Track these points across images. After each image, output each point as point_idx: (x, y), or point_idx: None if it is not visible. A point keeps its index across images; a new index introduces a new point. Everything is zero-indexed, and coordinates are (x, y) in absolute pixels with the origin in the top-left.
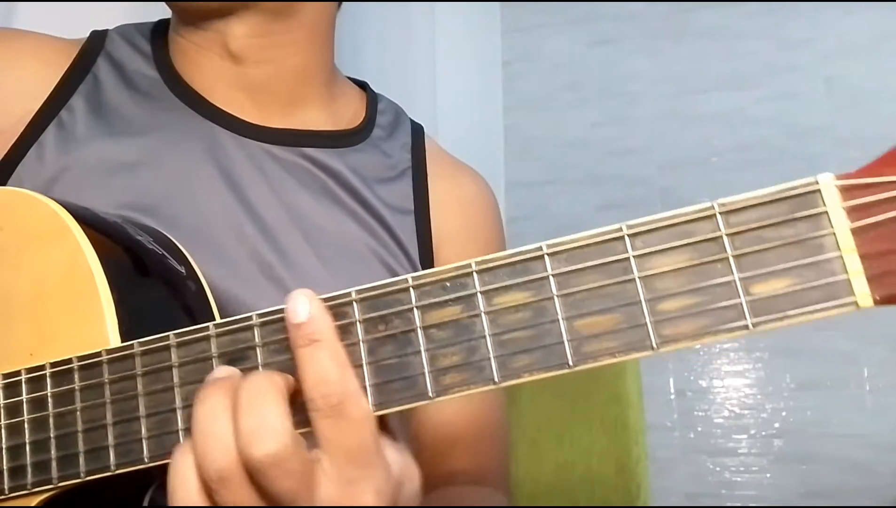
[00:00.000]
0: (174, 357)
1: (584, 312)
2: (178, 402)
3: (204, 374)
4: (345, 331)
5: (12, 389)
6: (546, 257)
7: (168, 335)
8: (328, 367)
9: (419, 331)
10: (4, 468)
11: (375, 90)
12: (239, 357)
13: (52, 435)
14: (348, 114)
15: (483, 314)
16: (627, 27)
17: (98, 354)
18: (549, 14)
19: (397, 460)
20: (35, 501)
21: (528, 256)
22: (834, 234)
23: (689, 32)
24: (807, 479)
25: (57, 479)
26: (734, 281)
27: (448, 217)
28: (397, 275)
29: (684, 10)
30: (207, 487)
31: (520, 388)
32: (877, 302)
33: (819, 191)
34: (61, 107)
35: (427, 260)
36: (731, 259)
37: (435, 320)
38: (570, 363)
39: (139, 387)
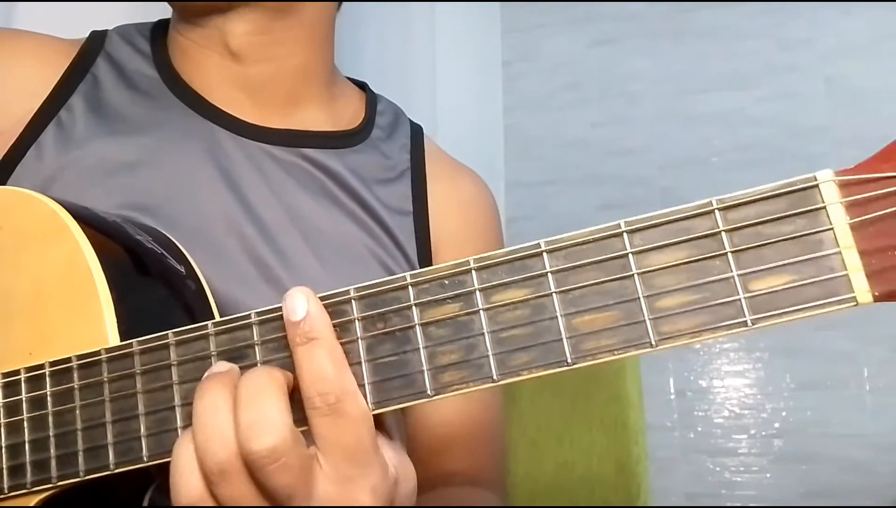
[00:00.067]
0: (173, 356)
1: (583, 309)
2: (177, 400)
3: (203, 372)
4: (343, 329)
5: (12, 388)
6: (544, 254)
7: (167, 334)
8: (325, 365)
9: (418, 329)
10: (4, 466)
11: (375, 90)
12: (238, 356)
13: (51, 434)
14: (348, 114)
15: (482, 312)
16: (627, 27)
17: (97, 353)
18: (549, 14)
19: (394, 459)
20: (34, 500)
21: (526, 253)
22: (833, 230)
23: (689, 32)
24: (807, 479)
25: (56, 478)
26: (733, 278)
27: (447, 218)
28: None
29: (684, 10)
30: (208, 480)
31: (520, 388)
32: (876, 299)
33: (818, 187)
34: (60, 107)
35: (425, 261)
36: (730, 256)
37: (433, 317)
38: (569, 360)
39: (138, 385)
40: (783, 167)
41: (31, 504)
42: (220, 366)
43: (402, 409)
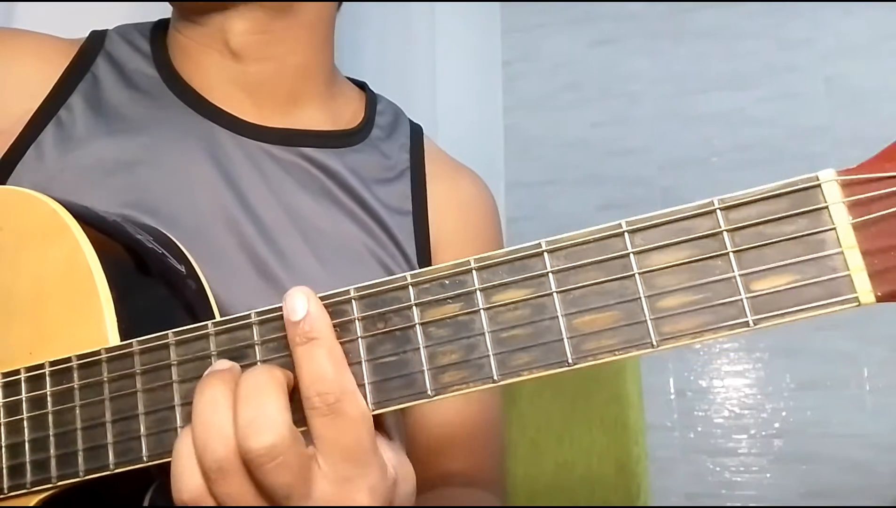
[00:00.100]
0: (173, 355)
1: (584, 309)
2: (177, 400)
3: (203, 372)
4: (343, 328)
5: (12, 388)
6: (545, 254)
7: (167, 334)
8: (325, 365)
9: (418, 328)
10: (3, 466)
11: (375, 90)
12: (238, 355)
13: (51, 433)
14: (347, 114)
15: (482, 312)
16: (627, 27)
17: (97, 352)
18: (549, 14)
19: (393, 459)
20: (34, 501)
21: (527, 253)
22: (835, 230)
23: (689, 32)
24: (807, 479)
25: (56, 478)
26: (735, 278)
27: (446, 219)
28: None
29: (684, 10)
30: (207, 476)
31: (520, 388)
32: (879, 299)
33: (820, 186)
34: (60, 106)
35: (425, 261)
36: (732, 256)
37: (434, 317)
38: (570, 360)
39: (138, 385)
40: (783, 167)
41: (31, 505)
42: (221, 364)
43: (401, 409)
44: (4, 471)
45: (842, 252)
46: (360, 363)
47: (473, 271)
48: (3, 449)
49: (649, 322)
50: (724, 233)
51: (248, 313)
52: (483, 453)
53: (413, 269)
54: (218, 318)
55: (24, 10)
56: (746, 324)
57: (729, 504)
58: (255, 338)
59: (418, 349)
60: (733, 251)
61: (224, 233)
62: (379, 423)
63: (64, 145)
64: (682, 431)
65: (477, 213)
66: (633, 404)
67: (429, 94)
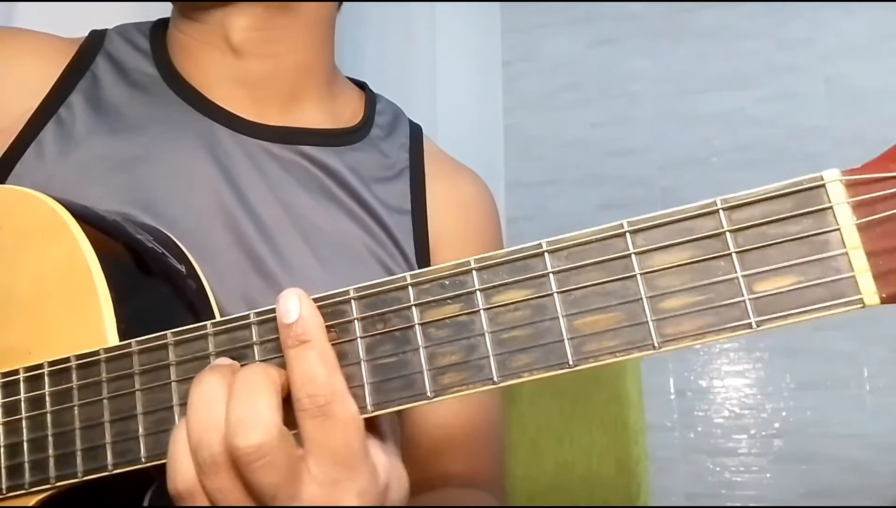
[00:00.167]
0: (172, 356)
1: (585, 310)
2: (176, 400)
3: None
4: (343, 329)
5: (10, 388)
6: (546, 254)
7: (166, 334)
8: (316, 367)
9: (417, 329)
10: (2, 466)
11: (375, 90)
12: (237, 355)
13: (49, 433)
14: (347, 113)
15: (482, 312)
16: (627, 27)
17: (96, 352)
18: (549, 14)
19: (384, 462)
20: (33, 501)
21: (528, 253)
22: (839, 230)
23: (689, 32)
24: (807, 479)
25: (54, 478)
26: (737, 279)
27: (445, 218)
28: (394, 274)
29: (684, 10)
30: (199, 469)
31: (520, 388)
32: (883, 300)
33: (824, 187)
34: (60, 104)
35: (423, 260)
36: (734, 256)
37: (433, 318)
38: (571, 362)
39: (137, 385)
40: (783, 167)
41: (30, 505)
42: (221, 360)
43: (399, 411)
44: (3, 472)
45: (846, 253)
46: (359, 363)
47: (473, 272)
48: (2, 449)
49: (651, 324)
50: (727, 233)
51: (247, 313)
52: (483, 454)
53: (412, 268)
54: (218, 318)
55: (24, 10)
56: (749, 326)
57: (729, 504)
58: (255, 338)
59: (418, 349)
60: (736, 252)
61: (222, 231)
62: (372, 426)
63: (64, 144)
64: (682, 431)
65: (476, 213)
66: (633, 404)
67: (429, 94)
